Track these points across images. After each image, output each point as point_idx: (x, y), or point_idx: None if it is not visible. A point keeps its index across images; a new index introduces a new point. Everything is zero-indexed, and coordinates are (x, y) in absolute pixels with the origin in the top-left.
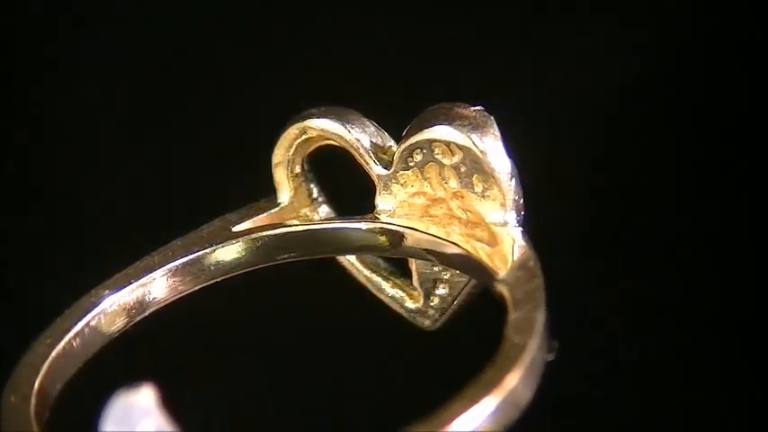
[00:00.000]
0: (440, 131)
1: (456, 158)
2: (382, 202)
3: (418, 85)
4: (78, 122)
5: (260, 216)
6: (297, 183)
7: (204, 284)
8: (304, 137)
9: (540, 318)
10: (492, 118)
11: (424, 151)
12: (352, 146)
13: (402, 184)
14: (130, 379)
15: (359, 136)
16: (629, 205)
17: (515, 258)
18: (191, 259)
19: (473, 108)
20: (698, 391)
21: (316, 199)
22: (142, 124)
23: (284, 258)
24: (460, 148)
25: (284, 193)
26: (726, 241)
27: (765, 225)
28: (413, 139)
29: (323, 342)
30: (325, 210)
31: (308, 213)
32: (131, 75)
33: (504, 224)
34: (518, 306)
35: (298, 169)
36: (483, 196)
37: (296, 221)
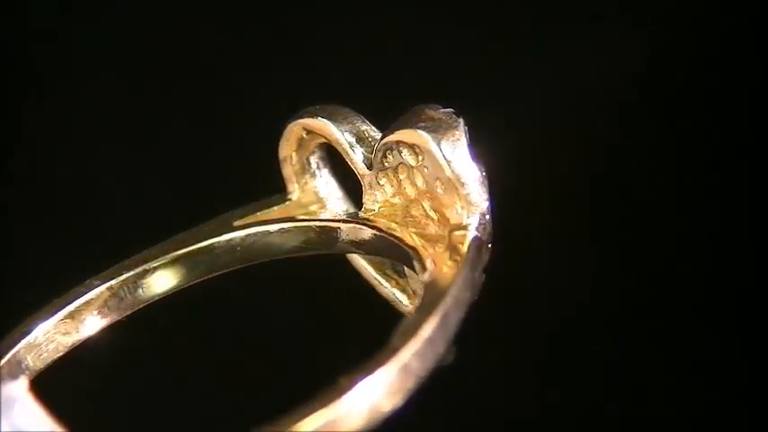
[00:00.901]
0: (404, 133)
1: (420, 160)
2: (368, 201)
3: (419, 85)
4: (79, 122)
5: (266, 211)
6: (304, 179)
7: (132, 311)
8: (302, 134)
9: (430, 324)
10: (460, 120)
11: (395, 152)
12: (339, 144)
13: (382, 185)
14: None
15: (346, 134)
16: (628, 205)
17: (447, 263)
18: (116, 284)
19: (442, 110)
20: (698, 391)
21: (325, 195)
22: (142, 124)
23: (215, 274)
24: (422, 150)
25: (292, 189)
26: (726, 241)
27: (765, 225)
28: (384, 141)
29: (321, 341)
30: (338, 206)
31: (317, 209)
32: (131, 74)
33: (463, 227)
34: (418, 309)
35: (302, 165)
36: (445, 198)
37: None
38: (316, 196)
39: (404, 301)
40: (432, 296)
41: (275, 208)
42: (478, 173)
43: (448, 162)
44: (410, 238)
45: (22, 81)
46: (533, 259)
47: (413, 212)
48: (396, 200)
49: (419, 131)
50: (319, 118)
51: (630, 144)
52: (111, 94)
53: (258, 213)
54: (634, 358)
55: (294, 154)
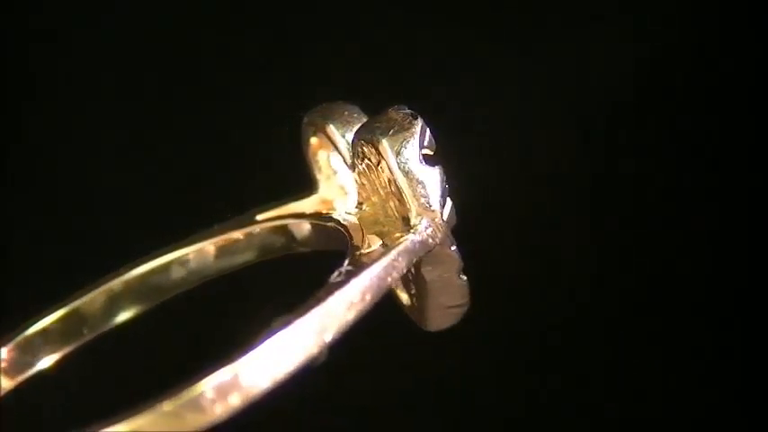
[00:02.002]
0: (363, 134)
1: (379, 160)
2: (358, 199)
3: (419, 84)
4: (79, 122)
5: (291, 206)
6: (326, 174)
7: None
8: (310, 132)
9: (300, 323)
10: (416, 122)
11: (362, 153)
12: (335, 142)
13: (363, 184)
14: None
15: (341, 132)
16: (628, 205)
17: (368, 263)
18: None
19: (403, 111)
20: (698, 391)
21: (351, 190)
22: (142, 124)
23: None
24: (377, 150)
25: (315, 185)
26: (726, 241)
27: (765, 225)
28: (354, 141)
29: None
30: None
31: (340, 205)
32: (131, 74)
33: (409, 229)
34: (298, 308)
35: (321, 161)
36: (399, 199)
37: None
38: (341, 191)
39: (406, 302)
40: (319, 296)
41: (299, 202)
42: (430, 175)
43: (396, 163)
44: (367, 238)
45: (22, 81)
46: (533, 259)
47: (388, 212)
48: (375, 199)
49: (373, 132)
50: (317, 115)
51: (630, 144)
52: (111, 94)
53: (282, 208)
54: (634, 358)
55: (311, 151)
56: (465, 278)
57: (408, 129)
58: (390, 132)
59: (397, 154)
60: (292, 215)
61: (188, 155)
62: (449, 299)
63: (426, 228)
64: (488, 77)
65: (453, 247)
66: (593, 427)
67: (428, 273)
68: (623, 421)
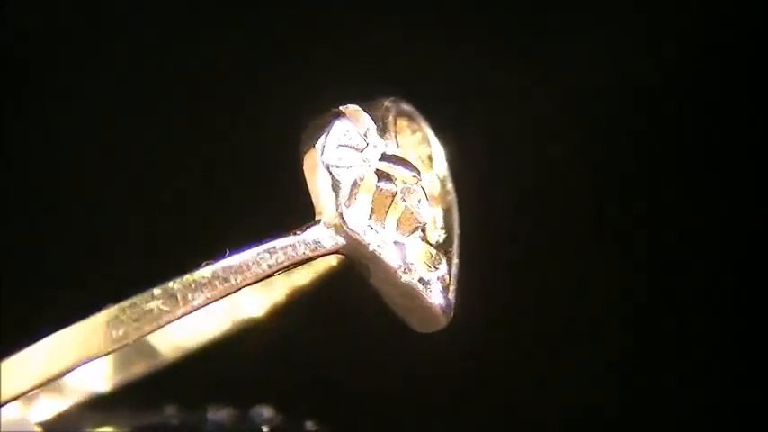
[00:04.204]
0: None
1: None
2: None
3: (419, 84)
4: (77, 122)
5: None
6: None
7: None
8: None
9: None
10: (333, 124)
11: None
12: None
13: None
14: None
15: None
16: (628, 205)
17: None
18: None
19: (333, 110)
20: (698, 391)
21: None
22: (142, 125)
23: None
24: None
25: None
26: (726, 241)
27: (766, 225)
28: None
29: (322, 342)
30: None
31: None
32: (131, 74)
33: (315, 223)
34: None
35: None
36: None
37: None
38: None
39: None
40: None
41: None
42: (341, 177)
43: (305, 164)
44: None
45: (22, 81)
46: (533, 259)
47: None
48: None
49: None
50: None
51: (630, 144)
52: (110, 95)
53: None
54: (635, 358)
55: None
56: (410, 279)
57: (323, 129)
58: (308, 129)
59: (306, 155)
60: None
61: (188, 155)
62: (404, 299)
63: (320, 230)
64: (488, 78)
65: (374, 249)
66: (593, 426)
67: (367, 275)
68: (624, 420)
